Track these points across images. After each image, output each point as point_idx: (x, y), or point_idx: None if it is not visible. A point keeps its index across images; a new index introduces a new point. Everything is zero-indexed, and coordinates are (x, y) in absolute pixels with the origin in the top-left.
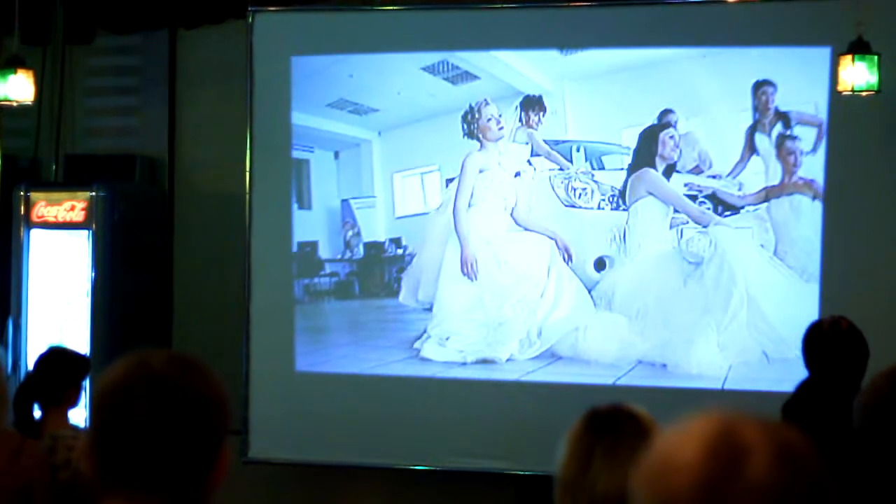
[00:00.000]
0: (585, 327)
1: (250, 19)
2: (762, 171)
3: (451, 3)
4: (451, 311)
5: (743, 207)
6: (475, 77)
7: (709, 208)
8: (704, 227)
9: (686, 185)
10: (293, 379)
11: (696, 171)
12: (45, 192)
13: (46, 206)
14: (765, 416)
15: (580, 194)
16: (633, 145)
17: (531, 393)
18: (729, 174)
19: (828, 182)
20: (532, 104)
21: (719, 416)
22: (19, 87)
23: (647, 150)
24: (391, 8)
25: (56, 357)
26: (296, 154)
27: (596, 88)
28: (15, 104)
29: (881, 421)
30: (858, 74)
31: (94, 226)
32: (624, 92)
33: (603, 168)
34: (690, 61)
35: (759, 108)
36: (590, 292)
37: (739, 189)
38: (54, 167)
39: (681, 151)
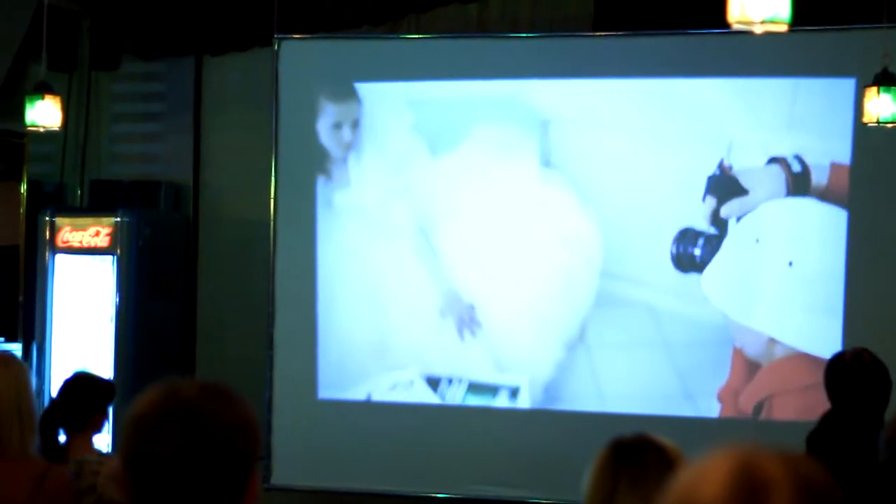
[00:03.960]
0: None
1: (276, 47)
2: None
3: (477, 32)
4: None
5: None
6: None
7: None
8: None
9: None
10: (315, 406)
11: None
12: (70, 218)
13: (71, 232)
14: (786, 449)
15: None
16: None
17: (551, 420)
18: None
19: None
20: None
21: (741, 450)
22: (46, 113)
23: None
24: (417, 36)
25: (82, 383)
26: None
27: None
28: (42, 130)
29: None
30: (884, 106)
31: (118, 251)
32: None
33: None
34: None
35: None
36: None
37: None
38: (79, 192)
39: None
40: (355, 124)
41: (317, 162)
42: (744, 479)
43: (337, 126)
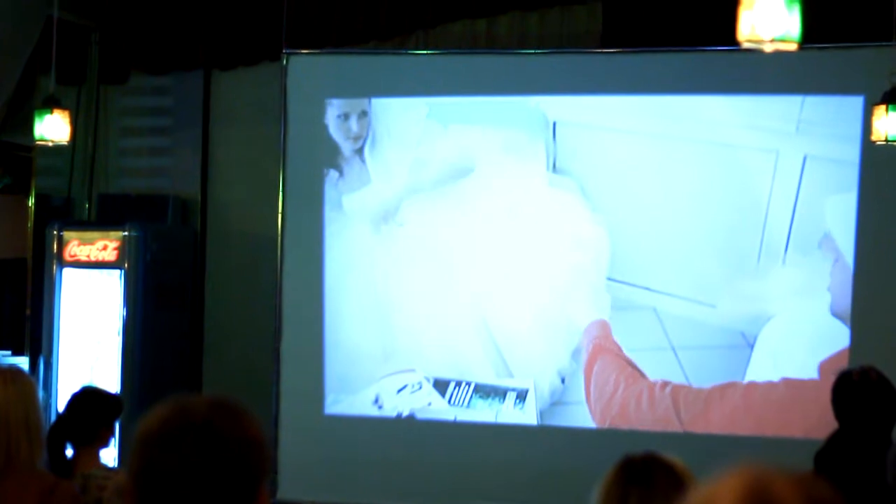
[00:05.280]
0: None
1: (284, 61)
2: None
3: (485, 48)
4: None
5: None
6: None
7: None
8: None
9: None
10: (322, 421)
11: None
12: (78, 232)
13: (79, 246)
14: (796, 470)
15: None
16: None
17: (560, 436)
18: None
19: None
20: None
21: (752, 470)
22: (55, 127)
23: None
24: (425, 52)
25: (89, 397)
26: None
27: None
28: (51, 144)
29: None
30: (892, 124)
31: (126, 265)
32: None
33: None
34: None
35: None
36: None
37: None
38: (87, 206)
39: None
40: (363, 114)
41: (325, 172)
42: (755, 500)
43: (344, 116)
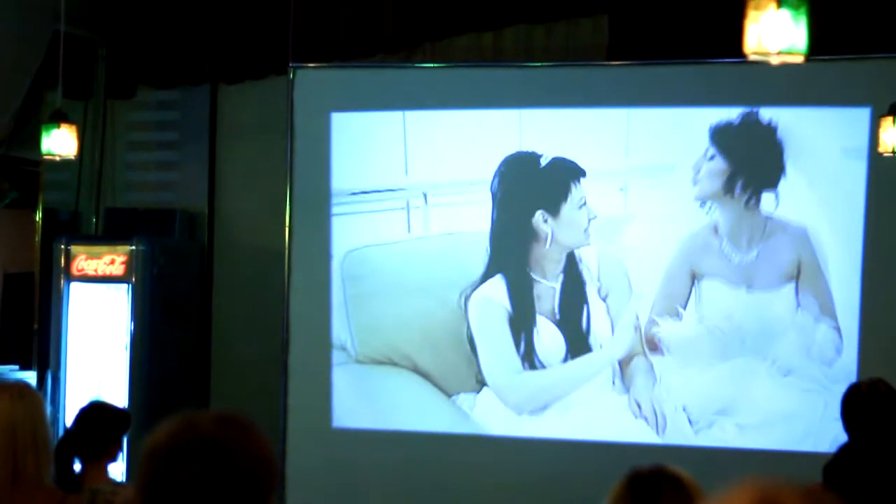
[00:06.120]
0: None
1: (291, 75)
2: None
3: (489, 61)
4: None
5: None
6: None
7: None
8: None
9: None
10: (330, 435)
11: None
12: (85, 246)
13: (87, 260)
14: (803, 483)
15: None
16: None
17: (572, 450)
18: None
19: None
20: None
21: (761, 484)
22: (62, 142)
23: None
24: (432, 66)
25: (97, 412)
26: None
27: None
28: (58, 158)
29: None
30: None
31: (133, 279)
32: None
33: None
34: None
35: None
36: None
37: None
38: (95, 220)
39: None
40: None
41: (332, 184)
42: None
43: None
